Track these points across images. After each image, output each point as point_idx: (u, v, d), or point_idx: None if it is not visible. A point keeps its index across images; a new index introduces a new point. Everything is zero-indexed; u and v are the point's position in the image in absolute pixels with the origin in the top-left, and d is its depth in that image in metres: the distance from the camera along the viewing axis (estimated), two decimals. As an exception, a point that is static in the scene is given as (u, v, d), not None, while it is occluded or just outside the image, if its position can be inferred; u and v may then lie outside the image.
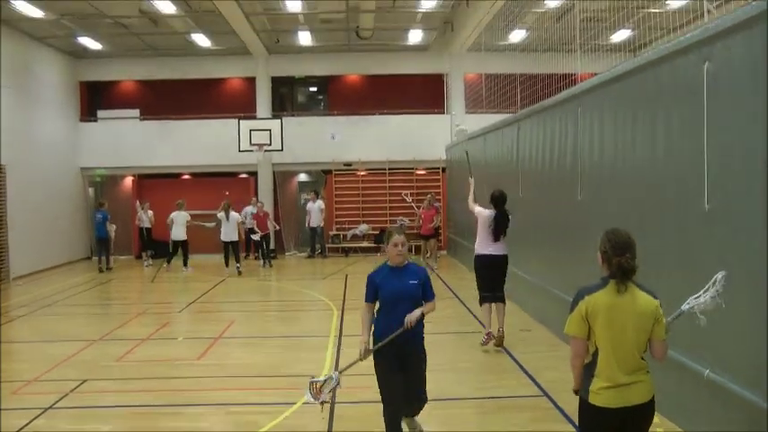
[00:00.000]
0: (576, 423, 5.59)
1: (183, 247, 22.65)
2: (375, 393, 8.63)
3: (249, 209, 24.21)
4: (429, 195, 22.51)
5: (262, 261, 23.94)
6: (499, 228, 11.51)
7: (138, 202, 25.11)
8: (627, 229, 5.11)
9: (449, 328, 13.22)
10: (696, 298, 5.09)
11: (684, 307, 5.08)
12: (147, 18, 22.06)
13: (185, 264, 22.40)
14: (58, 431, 8.32)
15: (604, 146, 9.90)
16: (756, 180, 6.03)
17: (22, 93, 22.94)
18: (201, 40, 24.80)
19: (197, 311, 15.89)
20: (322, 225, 25.60)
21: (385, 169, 26.85)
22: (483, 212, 11.69)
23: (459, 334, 12.76)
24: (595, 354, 4.97)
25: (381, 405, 7.26)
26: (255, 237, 23.38)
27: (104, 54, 26.84)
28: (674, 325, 5.06)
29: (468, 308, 14.82)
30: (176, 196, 26.36)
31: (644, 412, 4.93)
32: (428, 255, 21.79)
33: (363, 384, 9.50)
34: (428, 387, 8.13)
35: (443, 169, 26.54)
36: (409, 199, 25.37)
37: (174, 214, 22.54)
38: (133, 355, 11.82)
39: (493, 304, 11.44)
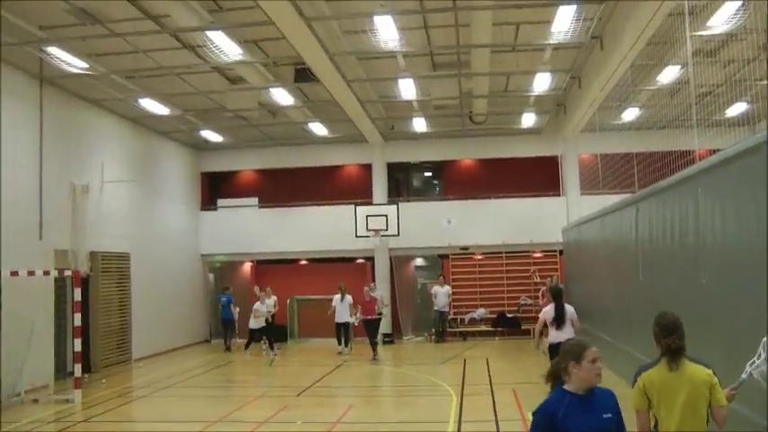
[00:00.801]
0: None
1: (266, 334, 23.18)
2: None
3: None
4: (552, 278, 22.05)
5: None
6: (559, 317, 13.66)
7: (256, 287, 25.51)
8: (753, 312, 5.20)
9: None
10: (752, 364, 5.57)
11: (744, 375, 5.55)
12: (266, 110, 22.78)
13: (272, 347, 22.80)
14: None
15: (726, 226, 9.60)
16: None
17: (148, 184, 23.99)
18: (318, 128, 25.37)
19: (315, 395, 15.93)
20: (448, 309, 25.51)
21: (501, 253, 26.67)
22: (545, 310, 14.17)
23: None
24: (656, 425, 5.48)
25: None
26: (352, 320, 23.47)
27: (224, 145, 27.80)
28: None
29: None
30: (294, 281, 26.89)
31: None
32: None
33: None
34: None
35: (561, 252, 26.18)
36: (537, 278, 25.02)
37: (257, 305, 23.04)
38: (252, 438, 11.92)
39: None
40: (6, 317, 15.62)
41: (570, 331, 13.23)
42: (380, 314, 22.79)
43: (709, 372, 5.38)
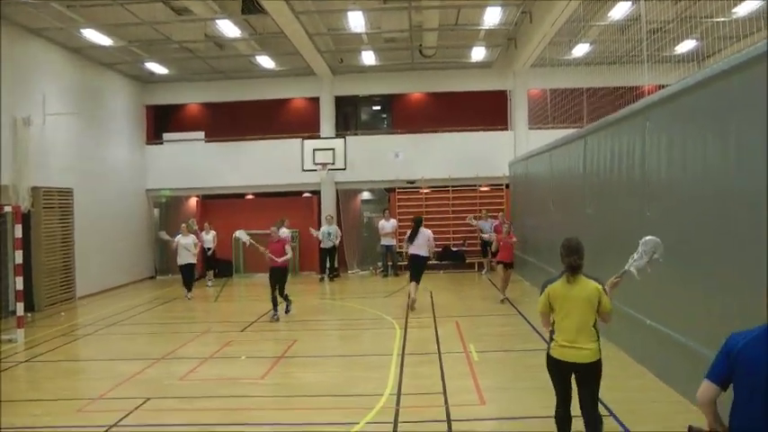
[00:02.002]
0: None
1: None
2: (440, 412, 8.49)
3: (325, 228, 24.64)
4: (501, 214, 22.05)
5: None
6: (412, 236, 18.05)
7: (161, 233, 25.17)
8: (699, 243, 5.43)
9: (510, 346, 13.03)
10: (632, 258, 7.23)
11: (626, 267, 7.18)
12: (213, 42, 22.28)
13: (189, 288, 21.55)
14: (122, 450, 8.36)
15: (673, 160, 9.63)
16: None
17: (91, 117, 23.39)
18: (266, 61, 24.98)
19: (260, 330, 15.88)
20: (395, 243, 25.47)
21: (448, 186, 26.69)
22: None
23: (523, 352, 12.53)
24: (553, 324, 7.07)
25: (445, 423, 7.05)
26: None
27: (170, 78, 27.23)
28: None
29: (532, 326, 14.56)
30: (240, 216, 26.66)
31: (590, 370, 6.89)
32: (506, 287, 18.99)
33: (430, 403, 9.42)
34: (493, 406, 7.95)
35: (507, 185, 26.27)
36: (474, 222, 25.07)
37: (178, 238, 21.50)
38: (196, 374, 11.84)
39: None
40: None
41: (425, 249, 17.80)
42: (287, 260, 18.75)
43: (599, 286, 6.86)
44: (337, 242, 25.06)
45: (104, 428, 8.97)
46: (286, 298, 17.62)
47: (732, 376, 4.10)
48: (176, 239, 21.24)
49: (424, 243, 17.81)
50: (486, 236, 22.26)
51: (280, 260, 17.11)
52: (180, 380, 11.45)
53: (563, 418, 7.12)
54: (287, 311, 17.59)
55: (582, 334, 6.82)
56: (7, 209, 16.15)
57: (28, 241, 18.42)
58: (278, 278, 17.23)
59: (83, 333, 16.29)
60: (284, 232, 23.46)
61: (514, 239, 18.92)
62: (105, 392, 10.76)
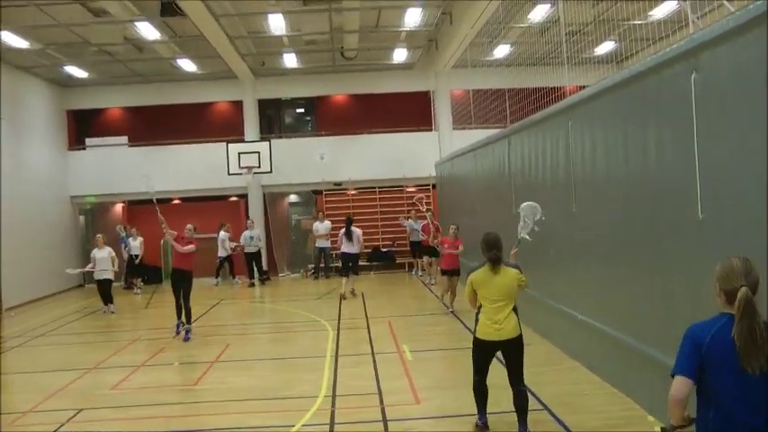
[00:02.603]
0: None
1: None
2: (376, 412, 8.63)
3: (247, 233, 24.45)
4: (429, 214, 22.16)
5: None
6: (347, 235, 19.94)
7: (118, 226, 24.98)
8: (623, 239, 5.69)
9: (443, 345, 13.22)
10: (521, 228, 8.80)
11: (519, 236, 8.80)
12: (132, 45, 22.04)
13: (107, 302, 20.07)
14: (57, 462, 8.29)
15: (596, 158, 9.93)
16: (749, 187, 6.05)
17: (10, 123, 22.87)
18: (187, 65, 24.83)
19: (192, 336, 15.78)
20: (329, 245, 25.46)
21: (375, 188, 26.87)
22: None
23: (456, 350, 12.72)
24: (480, 307, 8.05)
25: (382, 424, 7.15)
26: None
27: (90, 82, 26.80)
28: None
29: (464, 324, 14.78)
30: (167, 221, 26.34)
31: (514, 344, 7.96)
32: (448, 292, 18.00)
33: (365, 404, 9.53)
34: (428, 405, 8.05)
35: (434, 185, 26.55)
36: (424, 208, 24.82)
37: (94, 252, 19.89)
38: (129, 382, 11.75)
39: None
40: None
41: (357, 247, 20.06)
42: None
43: (517, 272, 7.99)
44: (260, 245, 25.07)
45: (40, 441, 8.89)
46: (189, 315, 15.39)
47: (704, 369, 4.08)
48: (92, 254, 19.77)
49: (356, 241, 20.01)
50: (423, 238, 22.37)
51: (183, 249, 15.26)
52: (112, 389, 11.35)
53: (481, 388, 8.20)
54: (186, 338, 15.07)
55: (505, 314, 7.87)
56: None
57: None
58: (180, 283, 15.29)
59: (9, 345, 15.98)
60: (223, 236, 24.14)
61: (461, 248, 16.96)
62: (35, 405, 10.60)
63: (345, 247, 19.98)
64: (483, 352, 8.05)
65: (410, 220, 24.58)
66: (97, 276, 19.60)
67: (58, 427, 9.38)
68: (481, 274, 7.95)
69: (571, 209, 11.02)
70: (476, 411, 8.29)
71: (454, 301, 16.74)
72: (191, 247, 15.47)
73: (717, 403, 4.06)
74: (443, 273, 17.33)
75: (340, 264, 21.34)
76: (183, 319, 15.39)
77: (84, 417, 9.88)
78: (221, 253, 24.72)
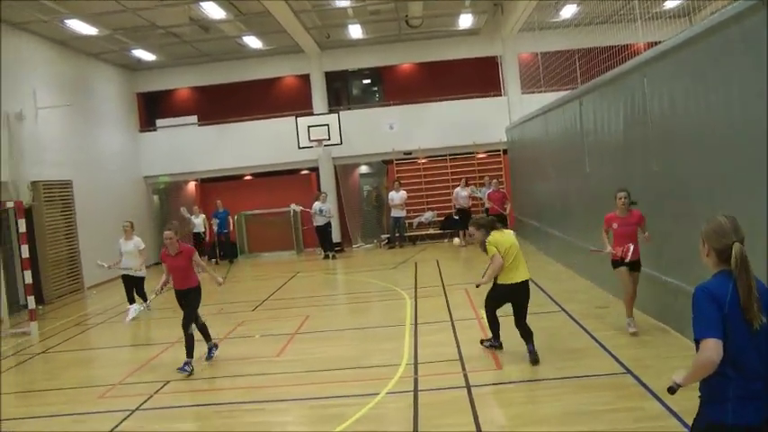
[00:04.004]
0: (663, 399, 7.50)
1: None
2: (458, 378, 8.64)
3: (317, 204, 24.43)
4: (486, 178, 22.02)
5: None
6: None
7: (182, 208, 25.23)
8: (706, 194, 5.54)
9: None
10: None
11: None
12: (198, 25, 22.20)
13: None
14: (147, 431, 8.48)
15: (676, 113, 9.69)
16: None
17: (83, 108, 23.37)
18: (253, 42, 24.94)
19: (271, 308, 15.99)
20: (404, 214, 25.50)
21: (445, 155, 26.74)
22: None
23: (534, 315, 12.61)
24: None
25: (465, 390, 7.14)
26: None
27: (158, 64, 27.17)
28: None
29: (540, 287, 14.66)
30: (240, 197, 26.79)
31: (526, 286, 10.11)
32: None
33: (447, 371, 9.53)
34: (510, 370, 8.01)
35: (505, 151, 26.32)
36: (479, 193, 24.86)
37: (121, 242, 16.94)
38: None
39: None
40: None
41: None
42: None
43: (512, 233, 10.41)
44: (330, 218, 25.06)
45: (128, 413, 9.11)
46: (204, 332, 11.90)
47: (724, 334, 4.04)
48: (118, 244, 16.74)
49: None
50: (489, 205, 22.23)
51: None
52: (196, 361, 11.54)
53: (497, 319, 10.42)
54: (209, 356, 11.73)
55: (521, 261, 10.03)
56: (9, 204, 16.22)
57: (32, 235, 18.48)
58: (188, 301, 11.52)
59: (94, 322, 16.40)
60: (324, 207, 24.32)
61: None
62: (124, 378, 10.88)
63: None
64: (508, 295, 10.12)
65: (483, 188, 24.46)
66: (122, 271, 16.61)
67: (147, 399, 9.64)
68: (496, 234, 10.03)
69: (651, 167, 10.79)
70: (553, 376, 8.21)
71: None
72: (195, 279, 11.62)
73: (735, 360, 4.03)
74: (618, 264, 10.76)
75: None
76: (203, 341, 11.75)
77: (172, 388, 10.13)
78: (319, 222, 24.74)
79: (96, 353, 13.48)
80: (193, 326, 11.30)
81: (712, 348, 3.96)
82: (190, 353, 10.91)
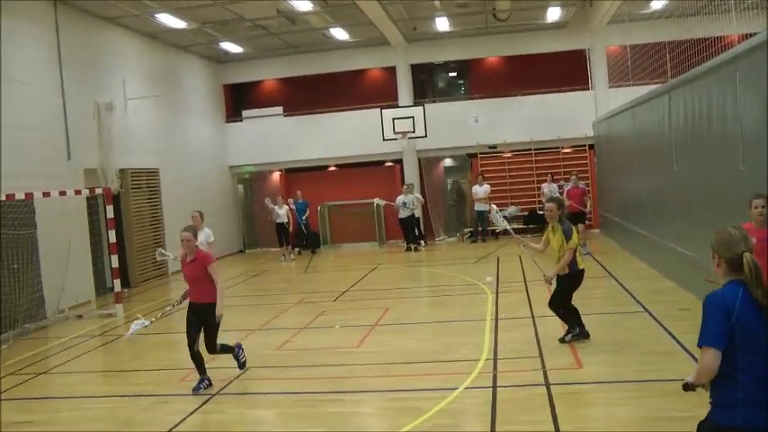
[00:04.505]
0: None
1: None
2: (538, 376, 8.53)
3: (401, 198, 24.44)
4: (576, 174, 21.55)
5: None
6: None
7: (267, 199, 25.42)
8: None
9: (603, 309, 12.89)
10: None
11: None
12: (285, 17, 22.40)
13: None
14: (226, 416, 8.69)
15: None
16: None
17: (171, 99, 24.02)
18: (339, 33, 25.07)
19: (352, 299, 16.08)
20: (488, 208, 25.32)
21: (530, 149, 26.47)
22: None
23: (618, 314, 12.44)
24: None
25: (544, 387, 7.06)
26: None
27: (245, 56, 27.56)
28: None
29: (623, 287, 14.43)
30: (324, 188, 27.02)
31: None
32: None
33: (527, 367, 9.44)
34: (591, 370, 7.86)
35: (591, 146, 25.92)
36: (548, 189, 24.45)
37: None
38: (292, 343, 12.11)
39: None
40: (44, 237, 15.86)
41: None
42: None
43: (562, 234, 10.22)
44: (416, 211, 25.04)
45: (209, 396, 9.34)
46: (225, 349, 10.22)
47: (734, 335, 4.14)
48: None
49: None
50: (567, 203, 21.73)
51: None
52: (277, 350, 11.71)
53: (574, 307, 10.62)
54: (197, 387, 9.64)
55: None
56: (98, 191, 16.75)
57: (119, 221, 19.04)
58: (198, 323, 9.86)
59: (177, 307, 16.69)
60: (408, 200, 24.19)
61: None
62: (205, 363, 11.06)
63: None
64: (579, 282, 10.53)
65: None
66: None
67: (227, 384, 9.83)
68: (549, 231, 10.54)
69: (738, 166, 10.48)
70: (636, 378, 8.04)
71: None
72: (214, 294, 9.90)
73: (745, 366, 4.12)
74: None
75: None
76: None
77: (251, 375, 10.26)
78: (403, 214, 24.73)
79: (178, 336, 13.63)
80: (196, 344, 9.61)
81: (708, 358, 4.14)
82: (201, 370, 9.58)
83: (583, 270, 10.50)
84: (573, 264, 10.28)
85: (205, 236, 14.29)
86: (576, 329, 10.48)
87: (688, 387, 4.40)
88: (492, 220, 11.21)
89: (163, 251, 15.60)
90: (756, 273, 4.15)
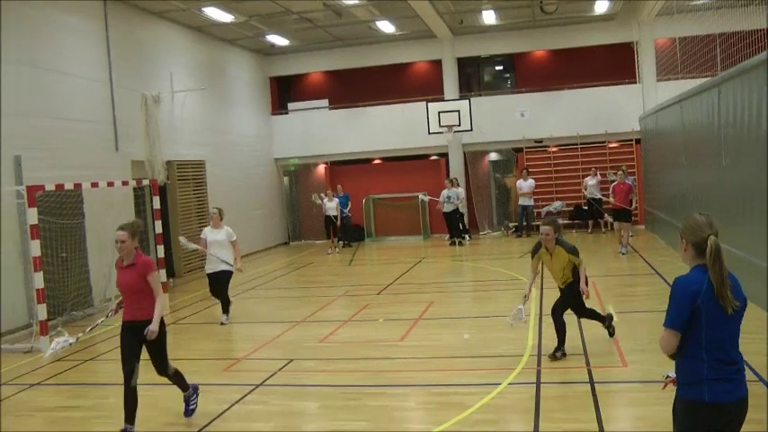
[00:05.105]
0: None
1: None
2: (582, 373, 8.47)
3: (445, 192, 24.40)
4: (623, 169, 21.16)
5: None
6: None
7: (314, 195, 25.42)
8: None
9: (648, 307, 12.77)
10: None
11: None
12: (331, 10, 22.44)
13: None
14: (270, 406, 8.75)
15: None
16: None
17: (218, 92, 24.26)
18: (385, 26, 25.05)
19: (395, 293, 16.09)
20: (532, 203, 25.22)
21: (576, 144, 26.25)
22: None
23: (661, 312, 12.27)
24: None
25: (588, 385, 7.01)
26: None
27: (291, 49, 27.66)
28: None
29: (668, 284, 14.25)
30: (369, 181, 27.06)
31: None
32: (622, 234, 19.54)
33: (571, 365, 9.40)
34: (636, 369, 7.78)
35: (637, 141, 25.63)
36: (593, 181, 24.21)
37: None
38: (336, 336, 12.16)
39: None
40: (91, 226, 16.15)
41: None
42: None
43: (567, 254, 9.89)
44: (460, 205, 24.93)
45: (252, 387, 9.42)
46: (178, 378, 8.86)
47: (696, 316, 4.43)
48: (203, 234, 14.37)
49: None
50: (606, 198, 21.26)
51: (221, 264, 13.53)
52: (320, 342, 11.78)
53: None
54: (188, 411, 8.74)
55: (562, 276, 10.09)
56: (145, 182, 17.00)
57: (166, 212, 19.33)
58: (140, 342, 8.04)
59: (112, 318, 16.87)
60: (452, 194, 24.29)
61: None
62: (249, 353, 11.22)
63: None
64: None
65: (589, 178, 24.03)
66: (208, 268, 14.12)
67: (271, 375, 9.91)
68: (543, 252, 10.10)
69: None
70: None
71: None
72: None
73: (708, 345, 4.43)
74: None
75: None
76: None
77: (295, 366, 10.36)
78: (447, 208, 24.73)
79: (222, 327, 13.88)
80: (135, 377, 7.95)
81: (668, 339, 4.52)
82: (130, 416, 7.87)
83: None
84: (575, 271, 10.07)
85: (227, 234, 13.79)
86: (561, 349, 9.85)
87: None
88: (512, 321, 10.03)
89: (184, 240, 15.26)
90: (716, 256, 4.42)
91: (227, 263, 13.65)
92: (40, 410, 9.34)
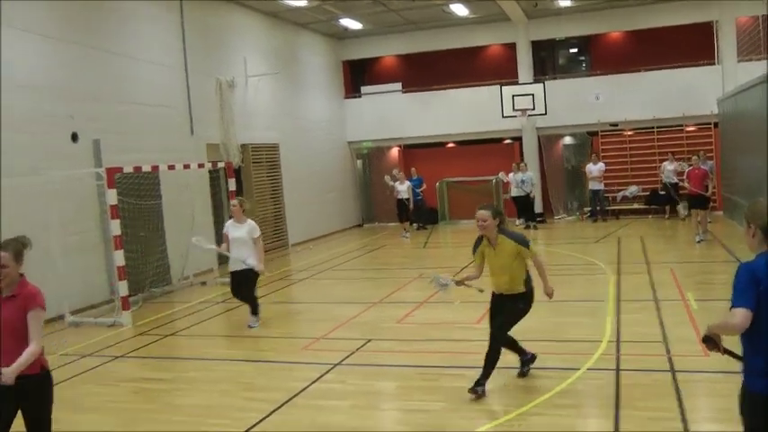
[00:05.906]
0: None
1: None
2: (662, 361, 8.39)
3: (520, 175, 24.38)
4: (699, 154, 20.70)
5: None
6: None
7: (386, 177, 25.36)
8: None
9: (728, 295, 12.55)
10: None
11: None
12: (405, -7, 22.50)
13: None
14: (347, 386, 8.91)
15: None
16: None
17: (291, 76, 24.58)
18: (459, 9, 24.92)
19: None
20: (602, 187, 24.96)
21: (653, 127, 25.84)
22: None
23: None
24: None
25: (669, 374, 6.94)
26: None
27: (364, 33, 27.71)
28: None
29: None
30: (443, 164, 27.08)
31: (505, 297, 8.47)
32: (699, 222, 18.77)
33: (651, 352, 9.32)
34: (710, 358, 7.77)
35: (716, 124, 25.10)
36: (671, 167, 23.78)
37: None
38: (412, 317, 12.29)
39: None
40: (168, 207, 16.80)
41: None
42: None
43: (516, 245, 8.37)
44: (531, 190, 24.63)
45: (330, 366, 9.57)
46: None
47: (760, 306, 4.23)
48: (225, 229, 13.07)
49: None
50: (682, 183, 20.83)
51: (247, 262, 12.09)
52: (397, 323, 11.91)
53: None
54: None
55: (503, 275, 8.64)
56: (220, 164, 17.50)
57: (240, 194, 19.65)
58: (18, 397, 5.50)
59: (298, 278, 17.24)
60: (526, 177, 24.21)
61: None
62: (327, 333, 11.40)
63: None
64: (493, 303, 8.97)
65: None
66: (231, 266, 12.69)
67: (349, 354, 10.08)
68: (485, 245, 8.80)
69: None
70: None
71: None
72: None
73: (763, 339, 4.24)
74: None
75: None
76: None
77: (372, 347, 10.52)
78: (518, 192, 24.66)
79: (300, 307, 14.11)
80: None
81: (741, 315, 4.23)
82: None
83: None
84: (528, 279, 8.59)
85: (249, 229, 12.36)
86: (527, 354, 8.84)
87: (707, 340, 4.52)
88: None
89: (200, 239, 13.89)
90: None
91: (246, 263, 12.14)
92: (123, 381, 9.75)
